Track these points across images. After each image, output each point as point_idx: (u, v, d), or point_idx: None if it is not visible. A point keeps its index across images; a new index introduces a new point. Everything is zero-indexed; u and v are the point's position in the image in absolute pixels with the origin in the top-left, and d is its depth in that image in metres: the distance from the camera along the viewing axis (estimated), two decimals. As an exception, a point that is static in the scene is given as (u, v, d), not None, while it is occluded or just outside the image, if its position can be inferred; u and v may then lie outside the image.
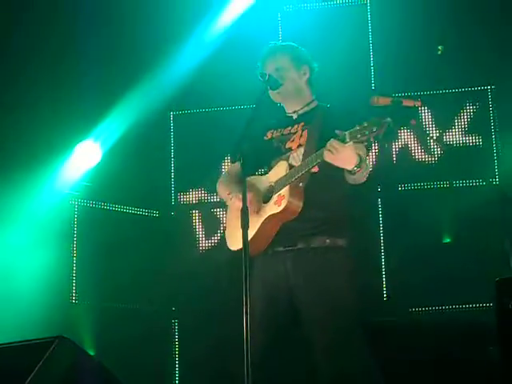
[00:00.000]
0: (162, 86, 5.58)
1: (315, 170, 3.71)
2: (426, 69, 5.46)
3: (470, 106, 5.47)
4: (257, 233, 3.77)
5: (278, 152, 3.89)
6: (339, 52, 5.44)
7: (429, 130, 5.45)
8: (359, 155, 3.54)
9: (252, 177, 3.94)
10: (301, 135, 3.87)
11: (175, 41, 5.60)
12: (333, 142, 3.51)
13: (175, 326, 5.63)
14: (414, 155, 5.47)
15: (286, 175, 3.74)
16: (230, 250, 3.89)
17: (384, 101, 3.99)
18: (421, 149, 5.48)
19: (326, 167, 3.66)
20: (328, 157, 3.53)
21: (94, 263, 5.43)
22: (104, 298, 5.43)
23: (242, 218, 3.39)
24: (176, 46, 5.60)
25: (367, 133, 3.41)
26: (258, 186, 3.85)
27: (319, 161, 3.62)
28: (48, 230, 5.27)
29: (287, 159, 3.83)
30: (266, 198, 3.82)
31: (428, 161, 5.47)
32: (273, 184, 3.80)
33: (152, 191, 5.77)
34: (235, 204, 3.78)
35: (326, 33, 5.53)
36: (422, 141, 5.48)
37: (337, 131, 3.54)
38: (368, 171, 3.69)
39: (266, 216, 3.74)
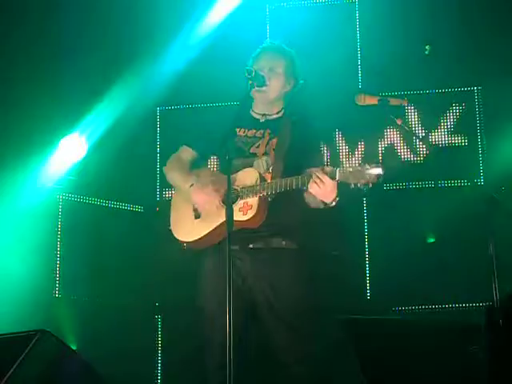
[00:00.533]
0: (149, 81, 5.57)
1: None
2: (414, 68, 5.47)
3: (456, 106, 5.49)
4: (213, 231, 3.80)
5: (239, 153, 3.90)
6: (327, 50, 5.45)
7: (415, 130, 5.46)
8: (336, 192, 3.58)
9: (213, 170, 3.96)
10: (267, 143, 3.90)
11: (163, 36, 5.60)
12: (323, 177, 3.53)
13: (158, 321, 5.62)
14: (400, 154, 5.49)
15: (256, 186, 3.75)
16: (178, 239, 3.90)
17: (370, 100, 4.01)
18: (407, 148, 5.49)
19: (297, 190, 3.70)
20: (313, 188, 3.56)
21: (77, 257, 5.41)
22: (87, 292, 5.42)
23: (226, 212, 3.39)
24: (164, 42, 5.60)
25: (358, 178, 3.45)
26: (221, 183, 3.82)
27: (303, 188, 3.64)
28: (32, 224, 5.24)
29: (256, 167, 3.84)
30: (233, 201, 3.81)
31: (414, 160, 5.48)
32: (238, 189, 3.80)
33: (137, 186, 5.75)
34: (196, 196, 3.79)
35: (314, 30, 5.53)
36: (407, 140, 5.49)
37: (326, 167, 3.57)
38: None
39: (225, 218, 3.71)
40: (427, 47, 5.37)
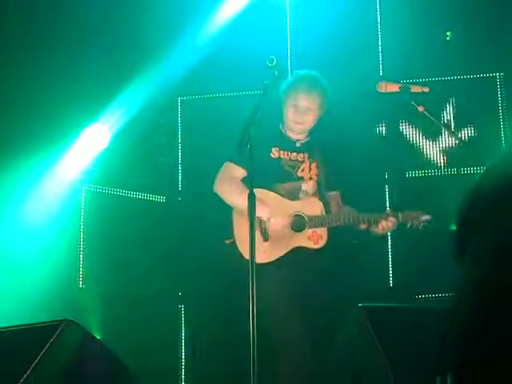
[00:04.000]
0: (169, 70, 5.56)
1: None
2: (435, 55, 5.44)
3: (478, 92, 5.45)
4: (283, 256, 3.99)
5: (289, 176, 4.13)
6: (347, 38, 5.42)
7: (437, 117, 5.43)
8: None
9: (273, 193, 4.10)
10: (310, 167, 4.14)
11: (183, 25, 5.58)
12: (395, 221, 4.13)
13: (181, 310, 5.64)
14: (422, 142, 5.45)
15: (323, 217, 4.05)
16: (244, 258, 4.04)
17: (392, 87, 4.01)
18: (428, 135, 5.46)
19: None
20: (382, 228, 4.15)
21: (100, 248, 5.44)
22: (111, 283, 5.44)
23: (249, 205, 3.44)
24: (184, 31, 5.58)
25: (416, 223, 4.12)
26: (282, 209, 4.05)
27: (368, 226, 4.14)
28: (55, 215, 5.27)
29: (323, 203, 4.19)
30: (297, 228, 4.06)
31: (436, 148, 5.45)
32: (305, 217, 3.99)
33: (159, 176, 5.76)
34: (274, 227, 4.14)
35: (334, 19, 5.50)
36: (429, 128, 5.46)
37: (388, 210, 4.22)
38: None
39: (295, 246, 4.02)
40: (448, 33, 5.34)
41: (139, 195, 5.74)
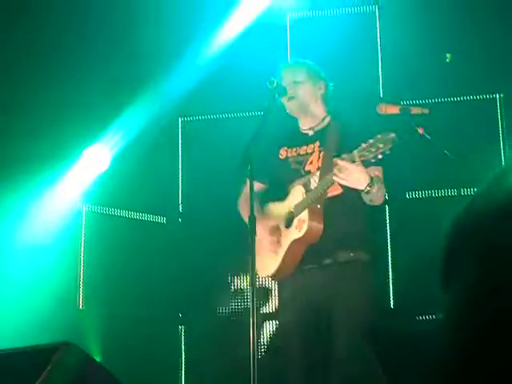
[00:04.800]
0: (171, 91, 5.58)
1: (339, 191, 3.76)
2: (435, 77, 5.45)
3: (478, 114, 5.46)
4: (283, 260, 3.85)
5: (296, 174, 3.93)
6: (347, 60, 5.44)
7: (436, 138, 5.43)
8: (370, 175, 3.58)
9: (274, 203, 3.99)
10: (318, 157, 3.90)
11: (185, 46, 5.60)
12: (341, 163, 3.53)
13: (182, 331, 5.63)
14: (422, 163, 5.46)
15: (303, 199, 3.79)
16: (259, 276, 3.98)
17: (392, 109, 4.00)
18: (429, 156, 5.46)
19: (349, 188, 3.70)
20: (341, 179, 3.57)
21: (101, 269, 5.43)
22: (111, 304, 5.43)
23: (249, 226, 3.43)
24: (185, 52, 5.61)
25: (374, 150, 3.45)
26: (280, 213, 3.92)
27: (329, 184, 3.66)
28: (56, 235, 5.27)
29: (305, 184, 3.86)
30: (288, 224, 3.88)
31: (436, 169, 5.45)
32: (292, 209, 3.84)
33: (159, 197, 5.77)
34: (262, 235, 3.87)
35: (335, 41, 5.52)
36: (429, 148, 5.46)
37: (344, 155, 3.58)
38: (384, 192, 3.75)
39: (289, 242, 3.82)
40: (448, 55, 5.35)
41: (140, 216, 5.74)
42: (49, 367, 2.92)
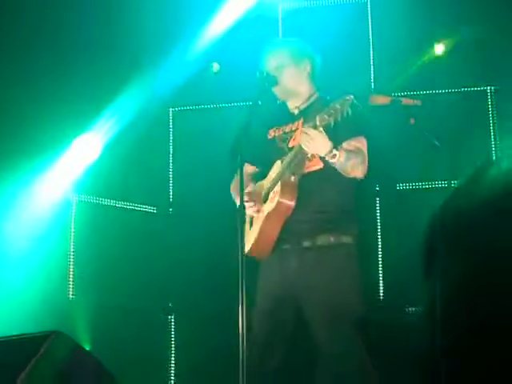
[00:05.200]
0: (161, 82, 5.57)
1: (319, 166, 3.74)
2: (426, 68, 5.46)
3: (468, 106, 5.47)
4: (259, 233, 3.80)
5: (281, 152, 3.91)
6: (339, 50, 5.43)
7: (427, 130, 5.44)
8: (331, 142, 3.59)
9: (259, 182, 3.97)
10: (301, 132, 3.87)
11: (176, 37, 5.59)
12: (307, 130, 3.56)
13: (171, 321, 5.63)
14: (413, 154, 5.47)
15: (280, 171, 3.77)
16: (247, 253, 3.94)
17: (383, 100, 4.00)
18: (419, 148, 5.47)
19: (329, 163, 3.69)
20: (305, 145, 3.58)
21: (91, 259, 5.42)
22: (101, 293, 5.42)
23: (237, 217, 3.42)
24: (176, 42, 5.60)
25: (333, 112, 3.47)
26: (260, 190, 3.90)
27: (300, 154, 3.66)
28: (45, 225, 5.26)
29: (282, 159, 3.85)
30: (265, 198, 3.85)
31: (427, 160, 5.46)
32: (269, 184, 3.83)
33: (150, 187, 5.76)
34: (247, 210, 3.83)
35: (326, 31, 5.52)
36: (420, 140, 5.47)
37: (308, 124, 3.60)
38: (359, 162, 3.71)
39: (264, 215, 3.78)
40: (437, 46, 5.36)
41: (130, 206, 5.73)
42: (38, 355, 2.92)
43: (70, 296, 5.37)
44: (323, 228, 3.77)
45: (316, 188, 3.77)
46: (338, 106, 3.50)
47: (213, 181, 4.35)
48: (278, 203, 3.71)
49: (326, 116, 3.53)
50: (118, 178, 5.59)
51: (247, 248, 3.84)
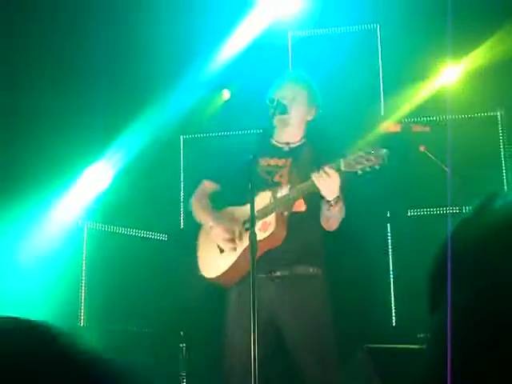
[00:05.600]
0: (172, 109, 5.59)
1: (303, 208, 3.79)
2: (436, 94, 5.46)
3: (479, 131, 5.46)
4: (237, 260, 3.82)
5: (264, 183, 3.93)
6: (348, 78, 5.46)
7: (437, 157, 5.44)
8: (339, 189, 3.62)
9: (230, 207, 3.98)
10: (289, 172, 3.93)
11: (186, 65, 5.62)
12: (329, 169, 3.57)
13: (183, 349, 5.61)
14: (423, 180, 5.46)
15: (271, 203, 3.80)
16: (204, 276, 3.94)
17: (393, 127, 4.01)
18: (430, 174, 5.46)
19: (312, 207, 3.74)
20: (319, 183, 3.59)
21: (102, 286, 5.42)
22: (112, 321, 5.42)
23: (251, 246, 3.42)
24: (187, 70, 5.62)
25: (364, 161, 3.48)
26: (238, 216, 3.90)
27: (309, 190, 3.68)
28: (57, 253, 5.27)
29: (273, 191, 3.87)
30: (249, 226, 3.83)
31: (437, 186, 5.45)
32: (255, 213, 3.81)
33: (161, 215, 5.77)
34: (216, 233, 3.82)
35: (336, 58, 5.54)
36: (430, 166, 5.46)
37: (331, 163, 3.61)
38: (339, 220, 3.77)
39: (246, 244, 3.76)
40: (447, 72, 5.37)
41: (141, 233, 5.74)
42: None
43: (81, 323, 5.36)
44: (302, 260, 3.85)
45: (298, 227, 3.83)
46: (372, 158, 3.51)
47: (223, 207, 4.36)
48: (273, 234, 3.76)
49: (354, 163, 3.54)
50: (129, 205, 5.60)
51: (215, 273, 3.88)
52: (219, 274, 3.88)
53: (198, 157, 5.84)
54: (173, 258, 5.67)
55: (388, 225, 5.50)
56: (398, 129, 3.95)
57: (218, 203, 4.11)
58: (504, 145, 5.45)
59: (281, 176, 3.95)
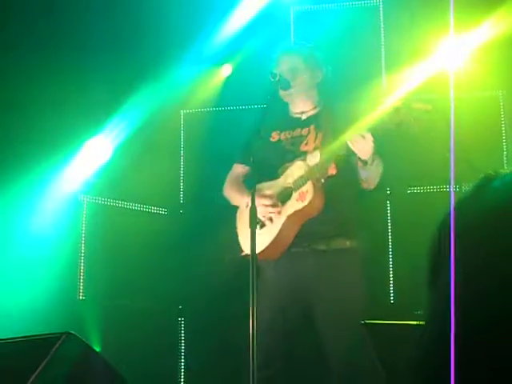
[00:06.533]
0: (172, 83, 5.58)
1: (333, 172, 3.77)
2: (437, 72, 5.44)
3: (480, 110, 5.44)
4: (279, 233, 3.82)
5: (291, 155, 3.93)
6: (350, 53, 5.43)
7: (439, 135, 5.42)
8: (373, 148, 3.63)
9: (264, 183, 3.97)
10: (315, 138, 3.91)
11: (188, 39, 5.60)
12: (365, 133, 3.59)
13: (181, 323, 5.64)
14: (423, 158, 5.45)
15: (305, 173, 3.79)
16: (247, 255, 3.92)
17: (395, 103, 4.00)
18: (430, 152, 5.46)
19: (343, 170, 3.72)
20: (355, 144, 3.59)
21: (101, 260, 5.44)
22: (111, 295, 5.44)
23: (250, 218, 3.41)
24: (188, 45, 5.60)
25: (397, 118, 3.50)
26: (274, 190, 3.90)
27: (341, 153, 3.66)
28: (56, 226, 5.27)
29: (304, 160, 3.87)
30: (285, 198, 3.86)
31: (437, 164, 5.45)
32: (290, 184, 3.83)
33: (161, 189, 5.77)
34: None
35: (338, 34, 5.51)
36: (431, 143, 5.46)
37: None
38: (379, 175, 3.75)
39: (287, 214, 3.79)
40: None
41: (141, 207, 5.74)
42: (49, 356, 2.93)
43: (80, 297, 5.38)
44: (339, 232, 3.82)
45: (332, 191, 3.81)
46: (408, 115, 3.53)
47: (223, 182, 4.37)
48: (311, 202, 3.75)
49: (387, 122, 3.56)
50: (128, 179, 5.59)
51: (257, 249, 3.86)
52: (262, 248, 3.86)
53: (197, 131, 5.83)
54: (172, 231, 5.68)
55: (387, 201, 5.50)
56: (399, 105, 3.95)
57: (249, 184, 4.11)
58: (505, 124, 5.44)
59: (306, 144, 3.95)
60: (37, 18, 5.40)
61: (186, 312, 5.64)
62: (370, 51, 5.59)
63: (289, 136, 4.04)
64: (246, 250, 3.94)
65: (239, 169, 4.20)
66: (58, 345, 3.01)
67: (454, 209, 1.03)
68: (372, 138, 3.62)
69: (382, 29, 5.66)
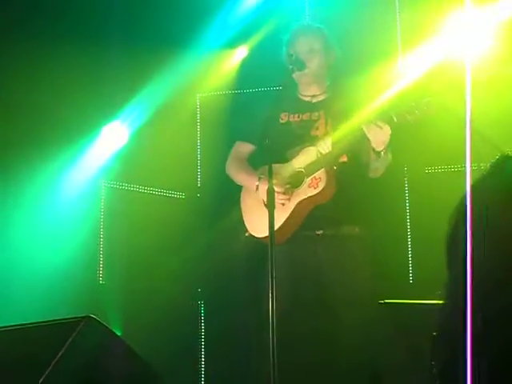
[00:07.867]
0: (188, 67, 5.57)
1: (344, 159, 3.76)
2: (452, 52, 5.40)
3: (496, 90, 5.39)
4: (289, 217, 3.81)
5: (301, 139, 3.92)
6: (366, 32, 5.39)
7: (458, 115, 5.38)
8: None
9: (276, 165, 3.96)
10: (325, 124, 3.89)
11: (202, 24, 5.59)
12: (378, 121, 3.57)
13: (201, 306, 5.66)
14: (441, 138, 5.42)
15: (318, 159, 3.77)
16: (254, 236, 3.93)
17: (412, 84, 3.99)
18: (448, 132, 5.42)
19: (354, 157, 3.71)
20: (371, 133, 3.58)
21: (120, 244, 5.46)
22: (131, 278, 5.47)
23: (268, 200, 3.41)
24: (202, 29, 5.59)
25: (415, 111, 3.47)
26: (283, 173, 3.88)
27: (356, 141, 3.65)
28: (75, 212, 5.30)
29: (317, 145, 3.86)
30: (297, 183, 3.85)
31: (455, 144, 5.41)
32: (302, 169, 3.82)
33: (178, 173, 5.77)
34: (264, 190, 3.81)
35: (352, 14, 5.47)
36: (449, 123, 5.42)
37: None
38: (386, 165, 3.74)
39: (299, 199, 3.79)
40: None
41: (158, 192, 5.76)
42: (71, 339, 2.96)
43: (101, 281, 5.42)
44: (347, 218, 3.82)
45: (343, 178, 3.80)
46: (424, 107, 3.51)
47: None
48: (324, 190, 3.75)
49: (406, 115, 3.54)
50: (146, 164, 5.61)
51: (266, 232, 3.87)
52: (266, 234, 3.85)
53: (213, 115, 5.82)
54: (190, 215, 5.69)
55: (405, 180, 5.48)
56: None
57: (254, 163, 4.11)
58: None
59: (317, 129, 3.93)
60: (51, 7, 5.40)
61: (205, 295, 5.66)
62: (385, 31, 5.55)
63: (298, 119, 4.02)
64: (251, 230, 3.95)
65: (243, 147, 4.18)
66: (78, 329, 3.03)
67: (473, 187, 1.04)
68: (390, 132, 3.60)
69: (397, 6, 5.61)
